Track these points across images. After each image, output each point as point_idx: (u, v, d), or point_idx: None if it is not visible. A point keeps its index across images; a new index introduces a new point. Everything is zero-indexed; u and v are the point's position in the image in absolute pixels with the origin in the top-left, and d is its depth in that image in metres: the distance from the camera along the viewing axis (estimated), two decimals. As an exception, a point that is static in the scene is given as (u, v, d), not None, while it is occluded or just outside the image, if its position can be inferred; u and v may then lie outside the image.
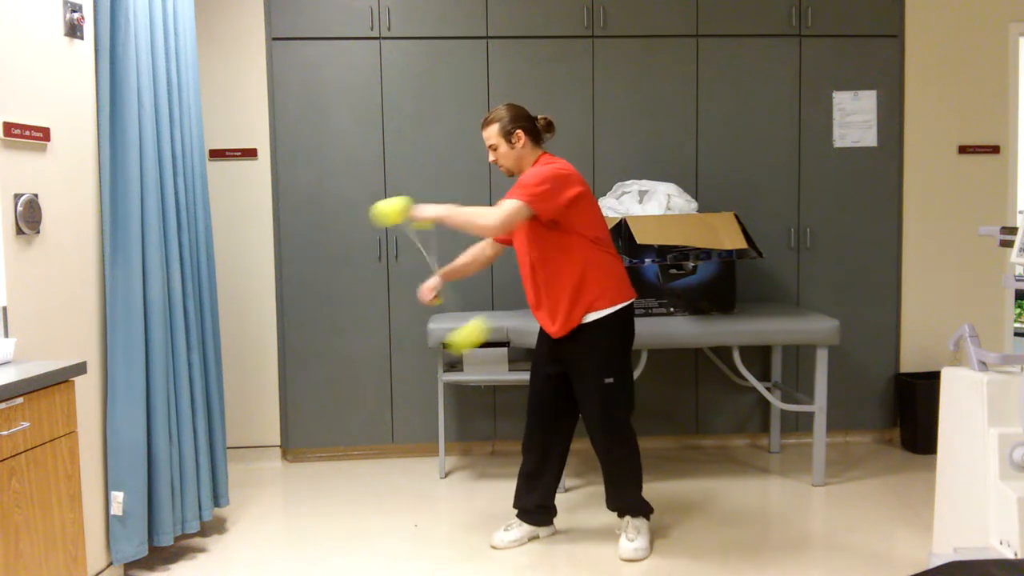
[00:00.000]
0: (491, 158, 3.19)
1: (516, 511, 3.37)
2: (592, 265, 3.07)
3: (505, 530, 3.34)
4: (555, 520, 3.42)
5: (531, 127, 3.16)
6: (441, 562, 3.22)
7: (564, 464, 3.40)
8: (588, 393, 3.16)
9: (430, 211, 3.02)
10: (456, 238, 4.39)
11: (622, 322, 3.15)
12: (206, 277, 3.48)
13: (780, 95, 4.47)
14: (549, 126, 3.21)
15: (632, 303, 3.17)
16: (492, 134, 3.14)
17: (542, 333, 3.27)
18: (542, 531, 3.39)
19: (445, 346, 3.20)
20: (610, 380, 3.12)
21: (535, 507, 3.34)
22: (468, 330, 3.10)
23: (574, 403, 3.27)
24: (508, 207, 2.96)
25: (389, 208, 2.99)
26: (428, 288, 3.28)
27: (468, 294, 4.43)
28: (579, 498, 3.84)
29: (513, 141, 3.12)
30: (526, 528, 3.35)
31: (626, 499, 3.27)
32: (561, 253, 3.07)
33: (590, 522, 3.51)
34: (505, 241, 3.34)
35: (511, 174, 3.20)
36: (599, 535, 3.40)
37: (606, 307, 3.09)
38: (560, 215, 3.03)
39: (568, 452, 3.39)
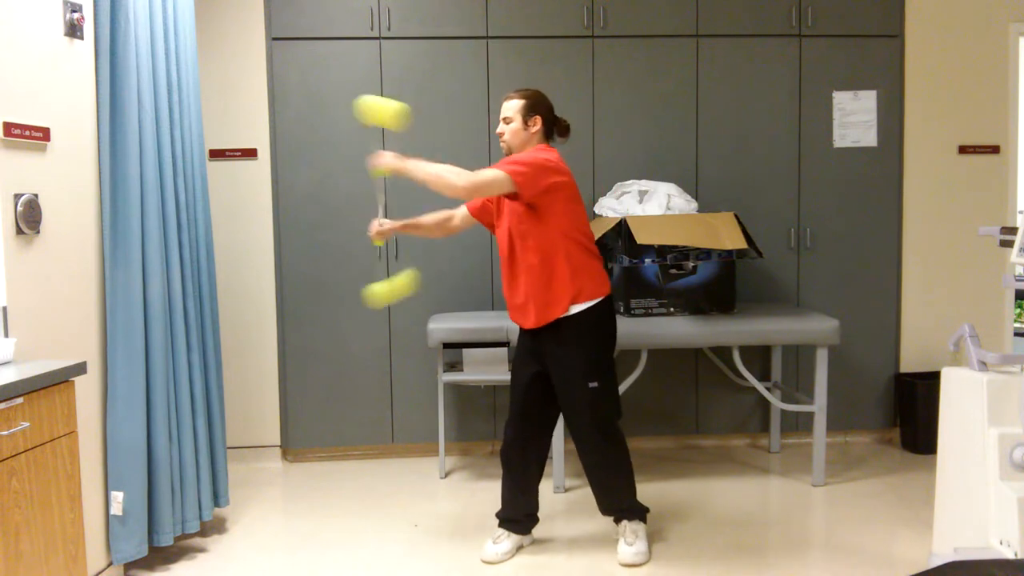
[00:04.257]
0: (499, 130, 3.15)
1: (500, 521, 3.27)
2: (573, 257, 3.03)
3: (494, 543, 3.22)
4: (554, 519, 3.40)
5: (550, 120, 3.16)
6: (441, 562, 3.22)
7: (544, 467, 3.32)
8: (573, 398, 3.07)
9: (397, 162, 2.96)
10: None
11: (603, 317, 3.09)
12: (206, 277, 3.48)
13: (780, 95, 4.47)
14: (566, 130, 3.21)
15: (611, 298, 3.13)
16: (513, 108, 3.12)
17: (522, 335, 3.21)
18: (525, 539, 3.31)
19: (371, 296, 3.11)
20: (595, 384, 3.04)
21: (524, 516, 3.27)
22: (396, 283, 3.10)
23: (553, 403, 3.19)
24: (487, 173, 2.96)
25: (383, 106, 2.98)
26: (378, 224, 3.20)
27: (467, 294, 4.43)
28: (579, 498, 3.83)
29: (529, 124, 3.11)
30: (515, 538, 3.26)
31: (621, 503, 3.21)
32: (541, 241, 3.03)
33: (590, 523, 3.51)
34: (485, 221, 3.28)
35: (509, 153, 3.15)
36: (599, 537, 3.40)
37: (587, 300, 3.04)
38: (541, 200, 2.99)
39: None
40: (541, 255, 3.03)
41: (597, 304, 3.06)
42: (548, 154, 3.07)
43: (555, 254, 3.02)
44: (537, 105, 3.12)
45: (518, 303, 3.13)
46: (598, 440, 3.11)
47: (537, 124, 3.11)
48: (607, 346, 3.14)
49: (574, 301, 3.03)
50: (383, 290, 3.11)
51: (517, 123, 3.11)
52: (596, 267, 3.11)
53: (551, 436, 3.29)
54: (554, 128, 3.18)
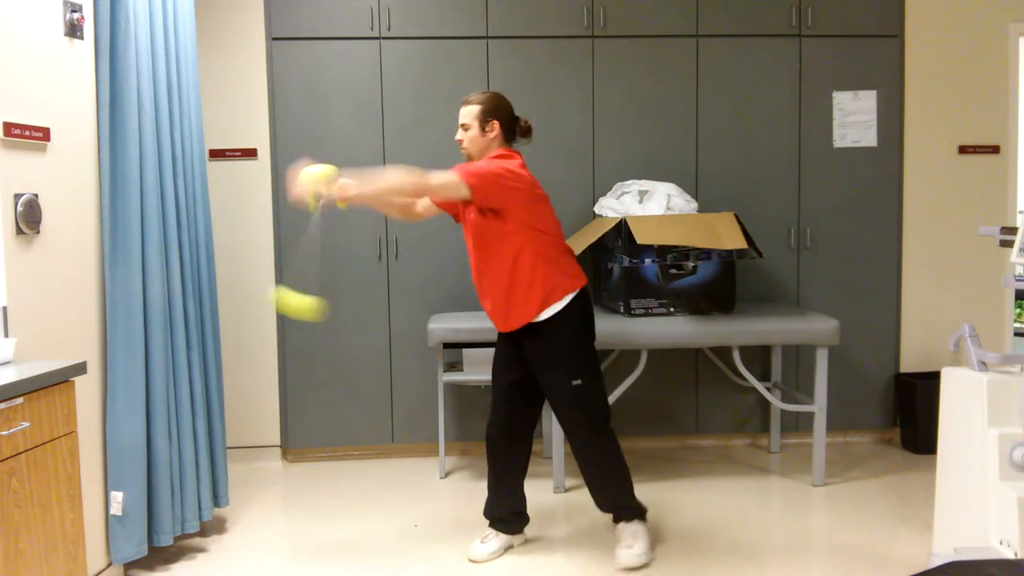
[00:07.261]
0: (457, 137, 3.11)
1: (490, 521, 3.28)
2: (541, 257, 3.00)
3: (482, 542, 3.22)
4: (553, 519, 3.39)
5: (510, 123, 3.12)
6: (441, 562, 3.22)
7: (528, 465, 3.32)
8: (560, 398, 3.08)
9: (352, 189, 2.88)
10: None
11: (579, 312, 3.06)
12: (206, 277, 3.48)
13: (780, 95, 4.46)
14: (528, 131, 3.16)
15: (586, 289, 3.10)
16: (469, 115, 3.07)
17: (500, 337, 3.19)
18: (516, 539, 3.30)
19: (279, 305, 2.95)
20: (578, 382, 3.03)
21: (511, 514, 3.27)
22: (303, 302, 2.93)
23: (534, 404, 3.23)
24: (439, 176, 2.90)
25: (316, 175, 2.87)
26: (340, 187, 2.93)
27: (467, 294, 4.43)
28: (579, 498, 3.83)
29: (487, 130, 3.07)
30: (503, 538, 3.25)
31: (617, 503, 3.19)
32: (503, 246, 2.99)
33: (590, 523, 3.51)
34: (451, 212, 3.20)
35: (470, 159, 3.13)
36: (599, 536, 3.40)
37: (561, 298, 3.01)
38: (499, 206, 2.96)
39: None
40: (502, 259, 3.00)
41: (571, 300, 3.03)
42: (508, 162, 3.03)
43: (519, 257, 2.99)
44: (494, 110, 3.08)
45: (487, 307, 3.12)
46: (589, 437, 3.10)
47: (495, 129, 3.07)
48: (586, 341, 3.12)
49: (545, 303, 3.01)
50: (288, 300, 2.93)
51: (475, 129, 3.08)
52: (566, 262, 3.08)
53: (532, 435, 3.29)
54: (515, 130, 3.15)
